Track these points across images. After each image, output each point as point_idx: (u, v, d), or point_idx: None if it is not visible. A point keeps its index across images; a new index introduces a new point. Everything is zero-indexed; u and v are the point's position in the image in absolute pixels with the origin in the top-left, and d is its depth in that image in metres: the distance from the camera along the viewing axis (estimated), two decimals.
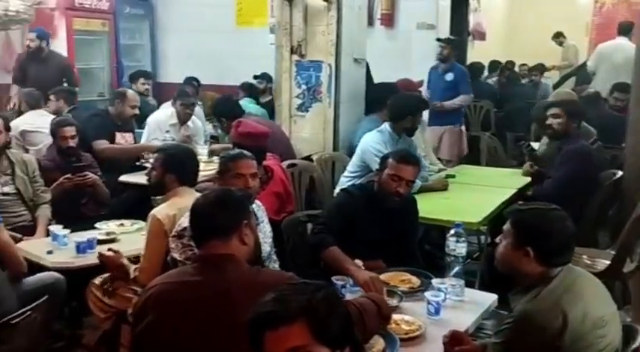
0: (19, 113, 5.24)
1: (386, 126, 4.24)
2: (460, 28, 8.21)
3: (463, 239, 2.57)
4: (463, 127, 6.62)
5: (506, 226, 2.05)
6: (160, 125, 5.06)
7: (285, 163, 4.16)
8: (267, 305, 1.34)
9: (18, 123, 4.79)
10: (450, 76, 6.29)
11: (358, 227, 2.91)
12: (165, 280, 1.83)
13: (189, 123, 5.18)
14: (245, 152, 2.83)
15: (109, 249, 2.94)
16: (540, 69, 9.18)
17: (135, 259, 3.26)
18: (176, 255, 2.45)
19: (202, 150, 4.92)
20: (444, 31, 7.58)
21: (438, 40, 6.51)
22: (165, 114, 5.18)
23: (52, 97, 5.44)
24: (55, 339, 3.38)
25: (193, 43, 7.92)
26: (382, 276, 2.58)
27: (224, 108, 4.76)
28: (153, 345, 1.74)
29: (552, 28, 10.37)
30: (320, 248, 2.71)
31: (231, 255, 1.85)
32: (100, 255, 2.91)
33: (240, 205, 1.97)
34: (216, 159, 5.01)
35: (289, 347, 1.31)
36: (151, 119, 5.16)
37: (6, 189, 3.72)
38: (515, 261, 1.99)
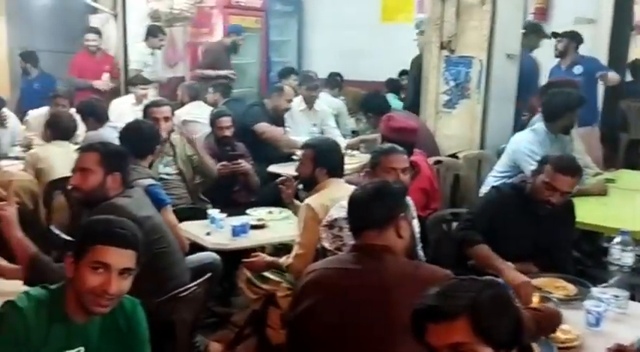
0: (181, 104, 5.67)
1: (541, 125, 4.04)
2: (623, 22, 7.55)
3: (630, 247, 2.39)
4: (596, 128, 5.96)
5: None
6: (293, 115, 5.29)
7: (431, 160, 4.11)
8: (431, 298, 1.34)
9: (179, 113, 5.20)
10: (578, 69, 5.66)
11: (507, 227, 2.80)
12: (326, 265, 1.90)
13: (316, 107, 5.34)
14: (397, 146, 2.84)
15: (253, 254, 3.10)
16: None
17: (280, 246, 3.42)
18: (326, 245, 2.52)
19: (339, 138, 5.01)
20: (606, 26, 7.05)
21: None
22: (295, 103, 5.35)
23: (210, 90, 5.83)
24: (208, 316, 3.62)
25: (338, 39, 8.08)
26: (535, 281, 2.47)
27: (373, 102, 4.82)
28: (311, 328, 1.80)
29: None
30: (467, 244, 2.66)
31: (387, 246, 1.87)
32: (245, 264, 3.07)
33: (397, 197, 1.99)
34: (356, 153, 5.12)
35: (450, 343, 1.30)
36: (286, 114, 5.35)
37: (168, 170, 4.03)
38: None
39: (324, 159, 3.03)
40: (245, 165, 4.27)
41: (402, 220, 1.94)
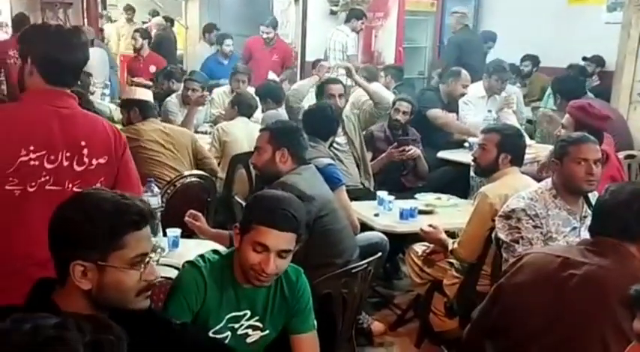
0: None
1: None
2: None
3: None
4: None
5: None
6: (469, 100, 5.12)
7: (622, 153, 3.78)
8: None
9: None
10: None
11: None
12: (544, 251, 1.88)
13: (503, 93, 5.13)
14: (588, 135, 2.61)
15: (429, 225, 3.07)
16: None
17: (448, 233, 3.36)
18: (502, 235, 2.43)
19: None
20: None
21: None
22: (474, 89, 5.16)
23: (382, 73, 5.87)
24: (371, 295, 3.69)
25: (518, 23, 7.66)
26: None
27: (567, 84, 4.51)
28: (512, 303, 1.80)
29: None
30: None
31: (628, 250, 1.74)
32: (422, 230, 3.06)
33: None
34: (532, 142, 4.84)
35: None
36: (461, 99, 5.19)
37: (338, 140, 4.06)
38: None
39: (509, 146, 2.89)
40: (415, 150, 4.25)
41: None
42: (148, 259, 1.34)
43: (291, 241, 1.75)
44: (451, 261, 2.98)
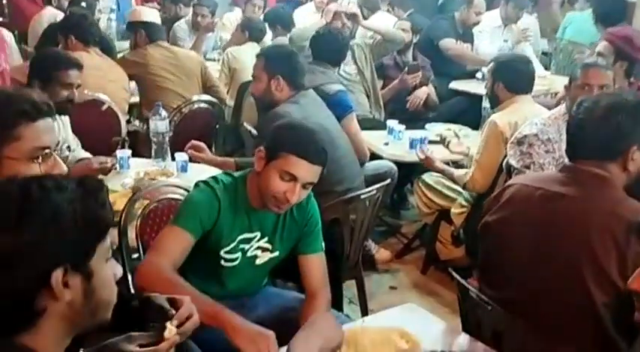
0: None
1: None
2: None
3: None
4: None
5: None
6: (485, 29, 4.97)
7: None
8: None
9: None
10: None
11: None
12: (526, 181, 1.76)
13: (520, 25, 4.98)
14: (600, 64, 2.54)
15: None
16: None
17: (457, 164, 3.34)
18: (513, 162, 2.41)
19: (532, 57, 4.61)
20: None
21: None
22: (489, 18, 5.01)
23: (388, 5, 5.68)
24: (378, 224, 3.71)
25: None
26: None
27: (607, 6, 4.22)
28: (497, 239, 1.74)
29: None
30: None
31: (605, 177, 1.61)
32: (424, 160, 3.05)
33: (636, 121, 1.61)
34: (547, 74, 4.73)
35: None
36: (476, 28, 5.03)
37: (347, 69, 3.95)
38: None
39: (499, 73, 2.85)
40: (421, 78, 4.14)
41: (635, 152, 1.60)
42: (48, 152, 1.35)
43: (317, 174, 1.73)
44: (459, 189, 2.98)
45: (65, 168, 1.40)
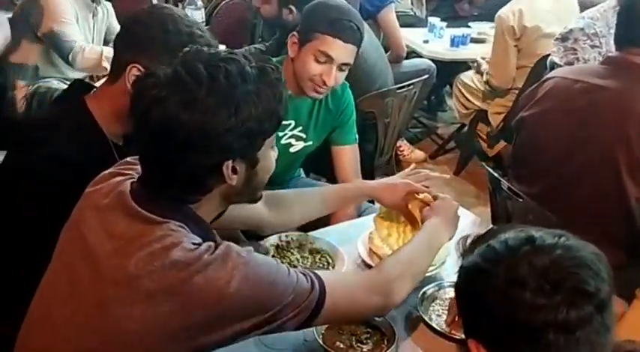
0: None
1: None
2: None
3: None
4: None
5: None
6: None
7: None
8: None
9: None
10: None
11: None
12: (564, 74, 1.71)
13: None
14: None
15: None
16: None
17: None
18: (556, 59, 2.32)
19: None
20: None
21: None
22: None
23: None
24: (414, 125, 3.69)
25: None
26: None
27: None
28: (532, 133, 1.72)
29: None
30: None
31: None
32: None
33: None
34: None
35: None
36: None
37: None
38: None
39: None
40: None
41: None
42: None
43: (352, 54, 1.69)
44: (490, 88, 2.93)
45: None
